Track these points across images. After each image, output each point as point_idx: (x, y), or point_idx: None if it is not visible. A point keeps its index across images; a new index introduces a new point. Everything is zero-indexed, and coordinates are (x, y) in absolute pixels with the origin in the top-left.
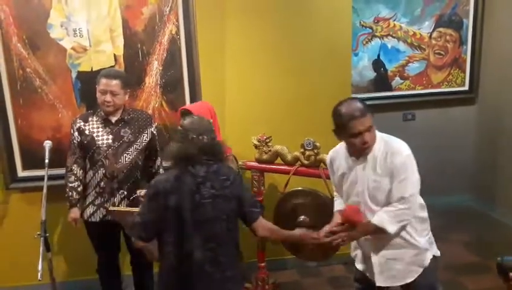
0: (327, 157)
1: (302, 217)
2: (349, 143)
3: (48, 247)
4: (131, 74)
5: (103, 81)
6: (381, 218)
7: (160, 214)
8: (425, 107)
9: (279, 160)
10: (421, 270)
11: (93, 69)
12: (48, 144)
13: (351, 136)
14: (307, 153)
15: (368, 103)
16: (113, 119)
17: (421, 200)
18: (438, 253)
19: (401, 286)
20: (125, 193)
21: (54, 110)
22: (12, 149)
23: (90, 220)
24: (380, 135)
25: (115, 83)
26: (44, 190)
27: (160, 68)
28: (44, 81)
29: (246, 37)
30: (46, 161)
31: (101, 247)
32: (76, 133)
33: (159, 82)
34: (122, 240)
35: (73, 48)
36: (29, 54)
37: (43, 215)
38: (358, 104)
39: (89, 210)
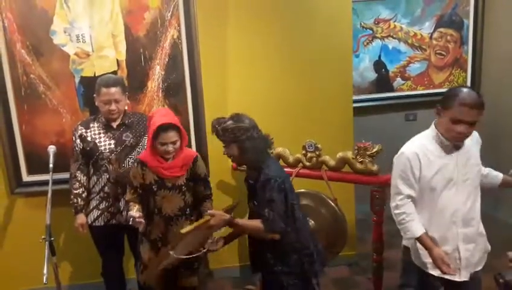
0: (407, 155)
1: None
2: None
3: (53, 251)
4: (134, 78)
5: (104, 90)
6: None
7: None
8: (427, 107)
9: (281, 162)
10: (486, 256)
11: (96, 74)
12: (52, 148)
13: (457, 121)
14: (309, 154)
15: (370, 104)
16: (115, 124)
17: None
18: None
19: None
20: None
21: (58, 115)
22: (17, 154)
23: (94, 224)
24: None
25: (116, 91)
26: (49, 194)
27: (162, 72)
28: (48, 86)
29: (247, 40)
30: (51, 165)
31: (105, 250)
32: (78, 141)
33: (161, 86)
34: (126, 243)
35: (76, 54)
36: (33, 60)
37: (48, 219)
38: (479, 96)
39: (93, 214)
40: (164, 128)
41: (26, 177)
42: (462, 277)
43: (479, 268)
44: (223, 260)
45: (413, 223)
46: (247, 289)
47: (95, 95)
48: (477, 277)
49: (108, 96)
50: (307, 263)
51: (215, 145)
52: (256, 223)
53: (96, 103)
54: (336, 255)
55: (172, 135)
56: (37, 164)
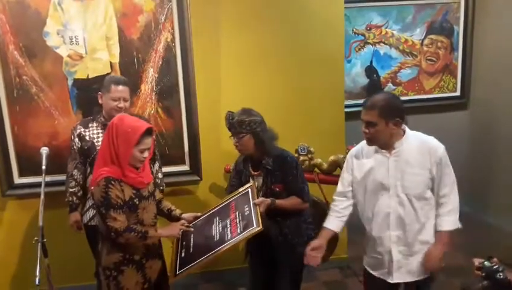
0: (348, 155)
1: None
2: None
3: (45, 252)
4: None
5: (116, 88)
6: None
7: None
8: (418, 112)
9: None
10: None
11: (90, 77)
12: (44, 150)
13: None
14: (301, 158)
15: (361, 109)
16: None
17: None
18: None
19: (406, 284)
20: None
21: (50, 117)
22: (9, 156)
23: (90, 223)
24: (412, 133)
25: (126, 89)
26: (42, 196)
27: (156, 75)
28: (40, 88)
29: (240, 44)
30: (43, 167)
31: None
32: (76, 139)
33: (154, 89)
34: None
35: (69, 56)
36: (26, 61)
37: (41, 221)
38: (379, 98)
39: (89, 214)
40: (148, 132)
41: (17, 180)
42: (395, 278)
43: (420, 277)
44: (214, 263)
45: (329, 217)
46: None
47: (100, 92)
48: (427, 284)
49: (119, 94)
50: (310, 230)
51: (207, 149)
52: (293, 199)
53: (100, 100)
54: (327, 259)
55: (151, 140)
56: (28, 166)
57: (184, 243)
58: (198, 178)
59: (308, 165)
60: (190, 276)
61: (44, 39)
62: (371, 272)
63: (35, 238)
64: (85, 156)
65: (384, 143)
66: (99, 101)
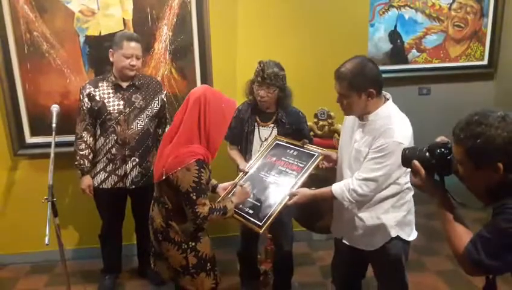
0: None
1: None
2: None
3: (55, 212)
4: (140, 39)
5: (129, 44)
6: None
7: None
8: (442, 81)
9: None
10: (381, 243)
11: (102, 34)
12: (55, 108)
13: None
14: (321, 123)
15: (383, 75)
16: (124, 84)
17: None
18: (409, 237)
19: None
20: (137, 159)
21: (62, 75)
22: (20, 115)
23: (101, 186)
24: (389, 112)
25: (138, 46)
26: (52, 154)
27: (170, 34)
28: (51, 45)
29: (259, 3)
30: (54, 125)
31: (108, 213)
32: (86, 99)
33: (168, 48)
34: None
35: (81, 11)
36: (37, 16)
37: (50, 180)
38: (349, 66)
39: (100, 177)
40: None
41: (29, 139)
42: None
43: (364, 248)
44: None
45: None
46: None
47: (111, 50)
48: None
49: (132, 51)
50: None
51: None
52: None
53: (111, 58)
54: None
55: None
56: (40, 125)
57: (240, 206)
58: None
59: (327, 131)
60: None
61: None
62: None
63: (45, 197)
64: (95, 117)
65: (360, 114)
66: (111, 59)
